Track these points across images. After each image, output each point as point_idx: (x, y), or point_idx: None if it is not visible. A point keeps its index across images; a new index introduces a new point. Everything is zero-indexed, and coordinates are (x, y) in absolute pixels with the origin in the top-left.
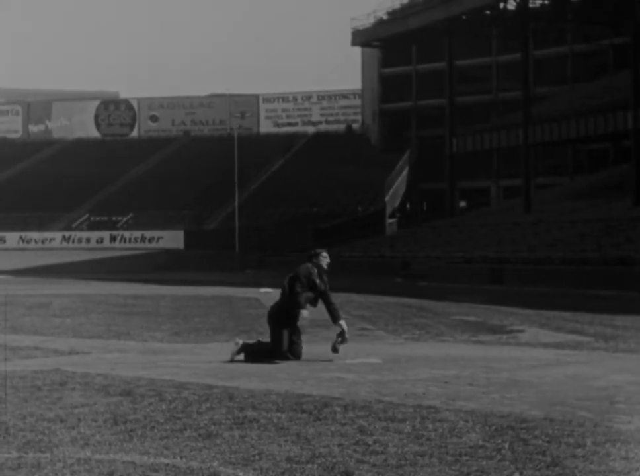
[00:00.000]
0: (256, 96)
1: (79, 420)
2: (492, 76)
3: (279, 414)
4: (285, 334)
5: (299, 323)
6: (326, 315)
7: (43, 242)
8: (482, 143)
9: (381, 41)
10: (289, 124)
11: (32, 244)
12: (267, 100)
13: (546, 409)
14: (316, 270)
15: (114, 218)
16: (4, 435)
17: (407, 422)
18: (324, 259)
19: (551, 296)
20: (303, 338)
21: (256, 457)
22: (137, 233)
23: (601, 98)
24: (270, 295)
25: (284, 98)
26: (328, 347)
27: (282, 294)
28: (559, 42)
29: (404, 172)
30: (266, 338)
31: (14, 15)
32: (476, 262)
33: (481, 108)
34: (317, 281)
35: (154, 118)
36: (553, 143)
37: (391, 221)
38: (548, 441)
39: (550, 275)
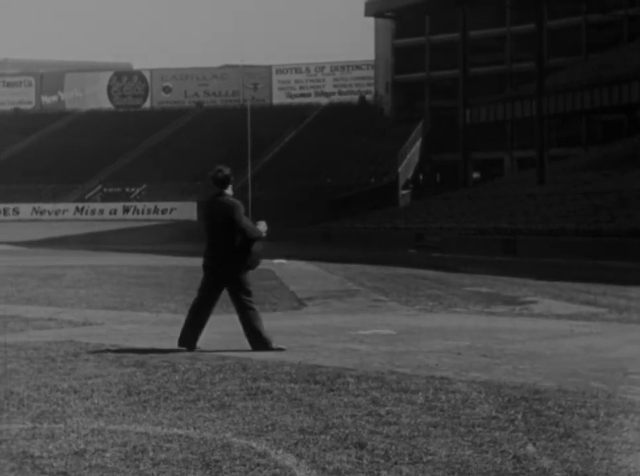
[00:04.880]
0: (269, 68)
1: (93, 391)
2: (506, 47)
3: (292, 385)
4: None
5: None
6: (342, 286)
7: (56, 213)
8: (496, 114)
9: (395, 12)
10: (302, 95)
11: (46, 216)
12: (280, 71)
13: (559, 380)
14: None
15: (127, 189)
16: (18, 406)
17: (420, 393)
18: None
19: (565, 267)
20: None
21: (270, 428)
22: (151, 205)
23: (616, 69)
24: (283, 266)
25: (297, 69)
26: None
27: None
28: (574, 13)
29: (418, 143)
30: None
31: None
32: (489, 234)
33: (495, 78)
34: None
35: (167, 89)
36: (566, 114)
37: (404, 192)
38: (561, 413)
39: (563, 246)
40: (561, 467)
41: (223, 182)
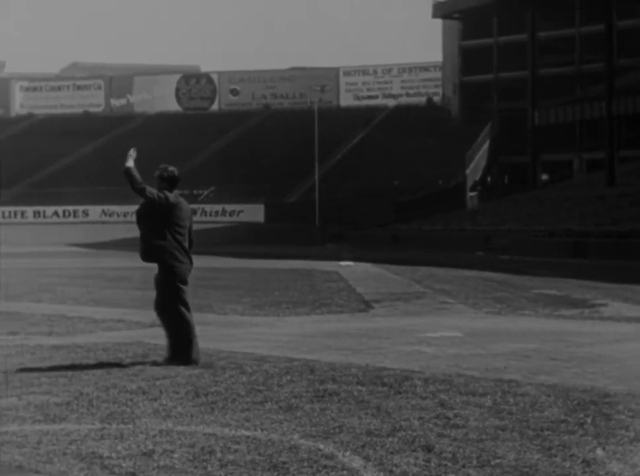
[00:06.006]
0: (337, 70)
1: (161, 392)
2: (575, 47)
3: (359, 388)
4: None
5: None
6: (409, 288)
7: (125, 215)
8: (565, 115)
9: (462, 13)
10: (370, 97)
11: (114, 218)
12: (347, 73)
13: (629, 384)
14: None
15: (195, 191)
16: (87, 406)
17: (488, 396)
18: None
19: (635, 270)
20: None
21: (337, 430)
22: (218, 207)
23: None
24: (350, 268)
25: (364, 71)
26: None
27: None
28: None
29: (485, 145)
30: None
31: None
32: (558, 236)
33: (564, 80)
34: None
35: (234, 92)
36: (637, 115)
37: (472, 194)
38: (631, 416)
39: (634, 248)
40: (631, 471)
41: (177, 182)
